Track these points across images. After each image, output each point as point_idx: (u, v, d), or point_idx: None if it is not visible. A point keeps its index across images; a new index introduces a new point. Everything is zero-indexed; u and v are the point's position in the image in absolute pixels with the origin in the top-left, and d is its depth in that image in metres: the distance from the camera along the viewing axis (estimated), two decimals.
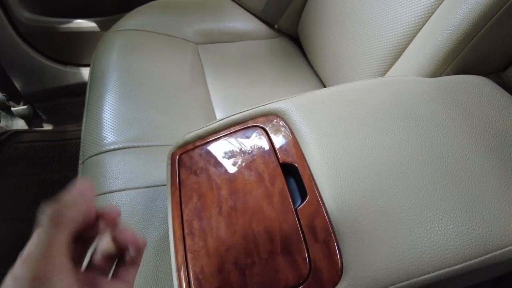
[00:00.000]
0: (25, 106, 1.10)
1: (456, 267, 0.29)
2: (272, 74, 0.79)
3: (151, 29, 0.80)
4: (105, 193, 0.49)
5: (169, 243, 0.36)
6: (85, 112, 0.64)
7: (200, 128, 0.44)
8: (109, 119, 0.60)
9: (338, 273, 0.29)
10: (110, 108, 0.62)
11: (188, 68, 0.75)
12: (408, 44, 0.53)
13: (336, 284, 0.29)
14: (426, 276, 0.28)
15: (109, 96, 0.64)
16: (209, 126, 0.43)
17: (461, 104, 0.40)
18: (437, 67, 0.47)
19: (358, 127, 0.37)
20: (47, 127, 1.16)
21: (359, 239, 0.30)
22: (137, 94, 0.65)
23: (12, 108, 1.10)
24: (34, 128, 1.16)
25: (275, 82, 0.78)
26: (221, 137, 0.42)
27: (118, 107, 0.62)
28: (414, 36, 0.51)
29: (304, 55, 0.86)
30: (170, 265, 0.37)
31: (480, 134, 0.37)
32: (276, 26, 0.88)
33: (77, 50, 1.07)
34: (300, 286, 0.29)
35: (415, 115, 0.38)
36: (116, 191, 0.49)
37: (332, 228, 0.31)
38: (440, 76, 0.47)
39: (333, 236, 0.31)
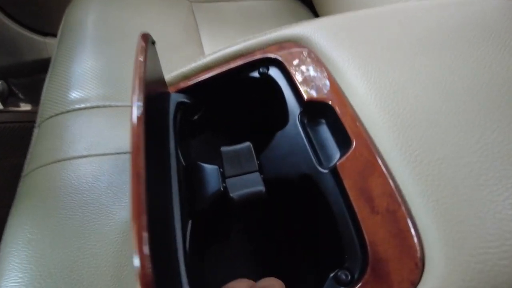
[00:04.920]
0: None
1: None
2: None
3: None
4: (59, 161, 0.37)
5: None
6: (50, 69, 0.52)
7: (186, 65, 0.31)
8: (78, 75, 0.48)
9: (417, 265, 0.17)
10: (81, 64, 0.49)
11: (179, 26, 0.63)
12: None
13: (415, 285, 0.16)
14: None
15: (81, 51, 0.52)
16: (199, 62, 0.31)
17: None
18: None
19: (421, 48, 0.25)
20: (25, 107, 1.03)
21: (450, 208, 0.17)
22: (115, 50, 0.52)
23: None
24: (9, 108, 1.03)
25: None
26: (215, 75, 0.29)
27: (91, 62, 0.50)
28: None
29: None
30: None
31: None
32: None
33: (57, 18, 0.94)
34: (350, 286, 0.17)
35: (500, 35, 0.25)
36: (74, 158, 0.37)
37: (399, 191, 0.18)
38: None
39: (401, 203, 0.18)
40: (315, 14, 0.74)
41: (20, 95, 1.00)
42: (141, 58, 0.21)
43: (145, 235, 0.14)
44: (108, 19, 0.58)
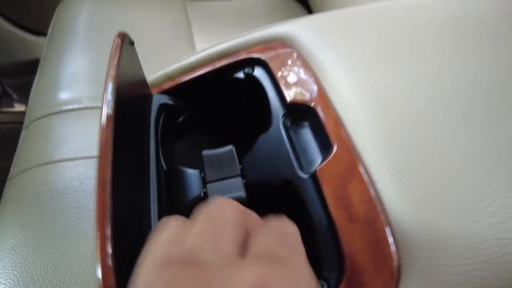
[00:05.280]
0: None
1: None
2: None
3: None
4: (45, 164, 0.36)
5: None
6: (39, 69, 0.51)
7: (170, 66, 0.30)
8: (67, 75, 0.47)
9: (392, 276, 0.16)
10: (70, 63, 0.49)
11: (171, 25, 0.62)
12: None
13: None
14: None
15: (70, 50, 0.51)
16: (183, 62, 0.30)
17: None
18: None
19: (406, 49, 0.24)
20: (19, 107, 1.02)
21: (430, 217, 0.17)
22: (105, 49, 0.51)
23: None
24: (3, 109, 1.02)
25: None
26: (199, 76, 0.29)
27: (80, 62, 0.49)
28: None
29: None
30: None
31: None
32: None
33: (51, 17, 0.93)
34: None
35: (493, 32, 0.25)
36: (60, 161, 0.36)
37: (379, 198, 0.18)
38: None
39: (380, 211, 0.17)
40: (310, 12, 0.73)
41: (14, 96, 0.99)
42: (115, 58, 0.20)
43: (109, 246, 0.14)
44: (99, 18, 0.57)
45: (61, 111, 0.42)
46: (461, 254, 0.15)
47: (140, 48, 0.55)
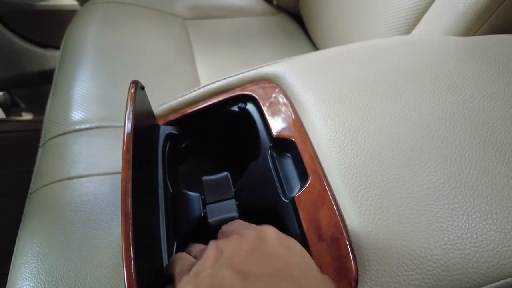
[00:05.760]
0: (1, 93, 1.01)
1: None
2: (269, 54, 0.71)
3: (134, 2, 0.71)
4: (62, 180, 0.41)
5: None
6: (52, 90, 0.56)
7: (174, 99, 0.35)
8: (78, 96, 0.51)
9: (351, 285, 0.21)
10: (81, 85, 0.53)
11: (173, 44, 0.66)
12: (428, 7, 0.44)
13: None
14: None
15: (80, 71, 0.56)
16: (186, 96, 0.35)
17: (503, 63, 0.31)
18: (468, 27, 0.38)
19: (374, 91, 0.29)
20: (27, 116, 1.07)
21: (380, 237, 0.21)
22: (112, 70, 0.56)
23: None
24: (12, 117, 1.07)
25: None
26: (200, 109, 0.33)
27: (90, 83, 0.54)
28: None
29: (306, 34, 0.77)
30: None
31: None
32: (274, 2, 0.80)
33: (58, 31, 0.98)
34: None
35: (448, 77, 0.29)
36: (76, 178, 0.41)
37: (343, 221, 0.22)
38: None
39: (344, 232, 0.22)
40: (305, 29, 0.77)
41: (22, 105, 1.04)
42: (130, 107, 0.25)
43: (132, 264, 0.18)
44: (105, 41, 0.62)
45: (75, 130, 0.47)
46: (402, 267, 0.20)
47: (145, 69, 0.60)
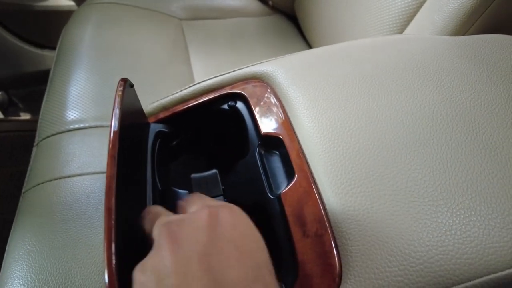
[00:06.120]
0: None
1: (505, 272, 0.20)
2: (265, 54, 0.71)
3: (131, 2, 0.71)
4: (55, 179, 0.41)
5: None
6: (47, 89, 0.56)
7: (164, 97, 0.35)
8: (73, 96, 0.52)
9: (335, 280, 0.21)
10: (76, 85, 0.54)
11: (169, 45, 0.67)
12: (420, 6, 0.44)
13: None
14: (462, 286, 0.20)
15: (76, 72, 0.56)
16: (176, 94, 0.35)
17: (491, 63, 0.31)
18: (458, 26, 0.38)
19: (363, 89, 0.29)
20: (24, 116, 1.07)
21: (364, 234, 0.21)
22: (107, 70, 0.56)
23: None
24: (9, 117, 1.07)
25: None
26: (190, 107, 0.34)
27: (85, 83, 0.54)
28: None
29: (302, 35, 0.78)
30: None
31: None
32: (270, 2, 0.80)
33: (55, 31, 0.98)
34: None
35: (436, 75, 0.30)
36: (69, 177, 0.41)
37: (327, 218, 0.23)
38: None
39: (328, 228, 0.22)
40: (300, 30, 0.78)
41: (20, 105, 1.04)
42: (117, 105, 0.25)
43: (113, 259, 0.18)
44: (101, 41, 0.62)
45: (69, 130, 0.47)
46: (385, 263, 0.20)
47: (140, 69, 0.60)
